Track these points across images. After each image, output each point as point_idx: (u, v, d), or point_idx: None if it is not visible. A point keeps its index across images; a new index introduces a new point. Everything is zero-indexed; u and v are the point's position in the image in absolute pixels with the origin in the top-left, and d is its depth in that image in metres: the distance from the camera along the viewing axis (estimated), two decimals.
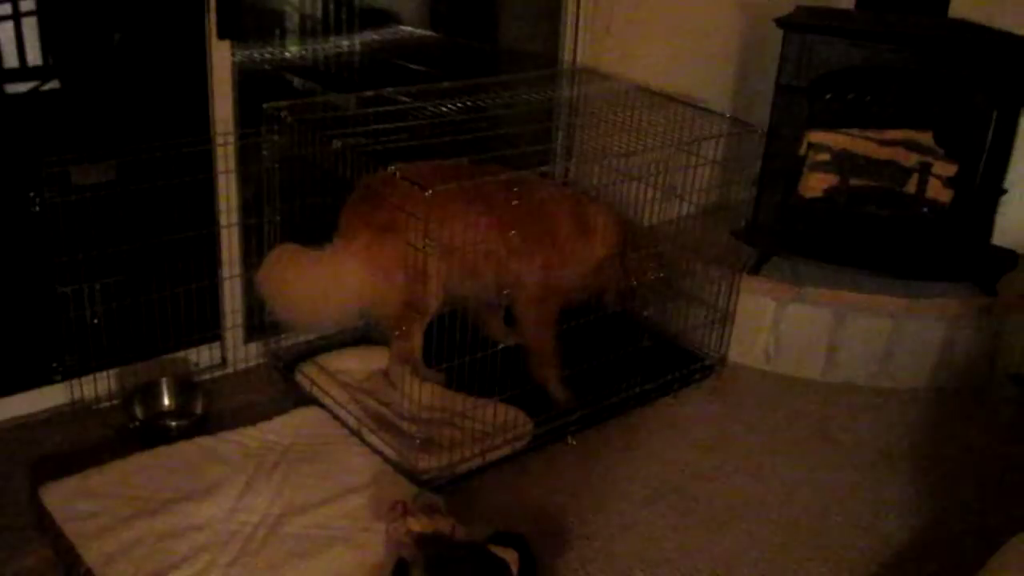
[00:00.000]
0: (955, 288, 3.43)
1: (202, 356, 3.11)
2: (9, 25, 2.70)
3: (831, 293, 3.38)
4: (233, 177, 2.97)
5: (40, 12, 2.74)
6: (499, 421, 2.82)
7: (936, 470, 2.98)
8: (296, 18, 4.04)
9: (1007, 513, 2.77)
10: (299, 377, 3.03)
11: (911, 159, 3.48)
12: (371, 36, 4.07)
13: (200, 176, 2.89)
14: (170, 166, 2.76)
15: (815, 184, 3.51)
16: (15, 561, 2.31)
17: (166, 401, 2.92)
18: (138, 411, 2.83)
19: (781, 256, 3.51)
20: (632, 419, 3.08)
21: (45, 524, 2.36)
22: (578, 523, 2.60)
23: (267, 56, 3.82)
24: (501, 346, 2.80)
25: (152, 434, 2.74)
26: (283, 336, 3.16)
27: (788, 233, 3.50)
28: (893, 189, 3.52)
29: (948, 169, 3.43)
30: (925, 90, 3.57)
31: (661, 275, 3.21)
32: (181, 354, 3.06)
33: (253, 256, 2.98)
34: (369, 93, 3.06)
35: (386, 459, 2.68)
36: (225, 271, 3.06)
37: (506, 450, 2.79)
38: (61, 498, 2.38)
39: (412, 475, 2.61)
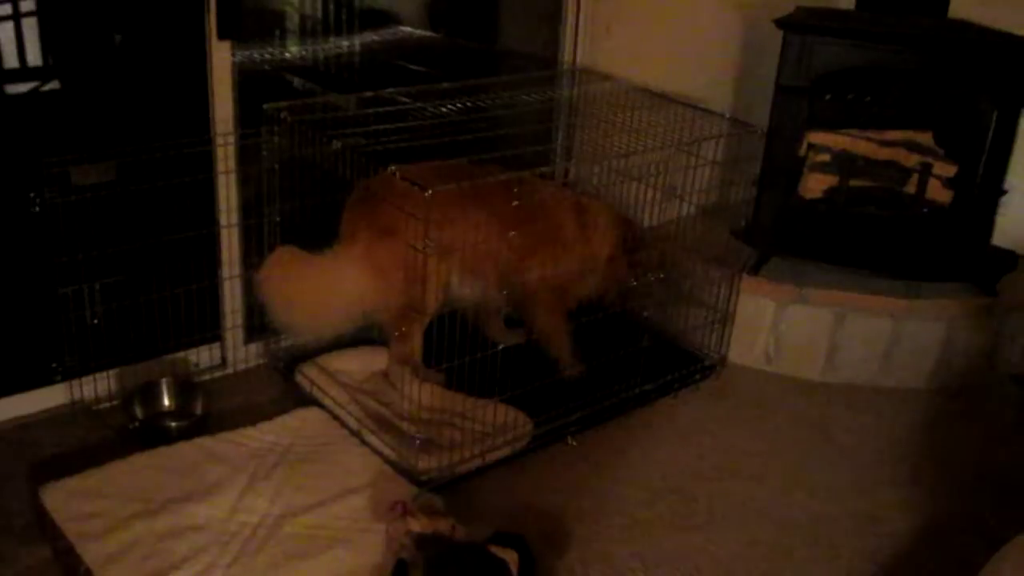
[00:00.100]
0: (955, 289, 3.44)
1: (202, 356, 3.11)
2: (9, 25, 2.70)
3: (831, 294, 3.38)
4: (233, 177, 2.97)
5: (40, 12, 2.73)
6: (499, 422, 2.82)
7: (936, 470, 2.98)
8: (296, 18, 4.04)
9: (1007, 514, 2.77)
10: (299, 378, 3.03)
11: (911, 160, 3.48)
12: (371, 37, 4.07)
13: (200, 176, 2.89)
14: (170, 166, 2.76)
15: (815, 184, 3.51)
16: (15, 562, 2.31)
17: (166, 401, 2.92)
18: (138, 411, 2.83)
19: (781, 257, 3.51)
20: (632, 420, 3.08)
21: (45, 525, 2.36)
22: (578, 524, 2.60)
23: (267, 57, 3.82)
24: (501, 347, 2.80)
25: (152, 434, 2.74)
26: (283, 337, 3.15)
27: (788, 234, 3.50)
28: (893, 190, 3.52)
29: (948, 170, 3.43)
30: (925, 91, 3.57)
31: (661, 275, 3.21)
32: (181, 354, 3.06)
33: (253, 256, 2.98)
34: (369, 94, 3.06)
35: (386, 460, 2.68)
36: (225, 272, 3.06)
37: (506, 451, 2.79)
38: (61, 498, 2.38)
39: (412, 476, 2.61)
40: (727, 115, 3.22)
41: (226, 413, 2.90)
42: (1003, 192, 3.44)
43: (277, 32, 3.94)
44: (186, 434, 2.72)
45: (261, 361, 3.21)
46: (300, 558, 2.28)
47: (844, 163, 3.49)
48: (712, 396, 3.28)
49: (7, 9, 2.69)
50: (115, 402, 2.90)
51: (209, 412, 2.88)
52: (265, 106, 2.88)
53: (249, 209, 3.03)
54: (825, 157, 3.50)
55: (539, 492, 2.72)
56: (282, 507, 2.45)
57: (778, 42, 3.32)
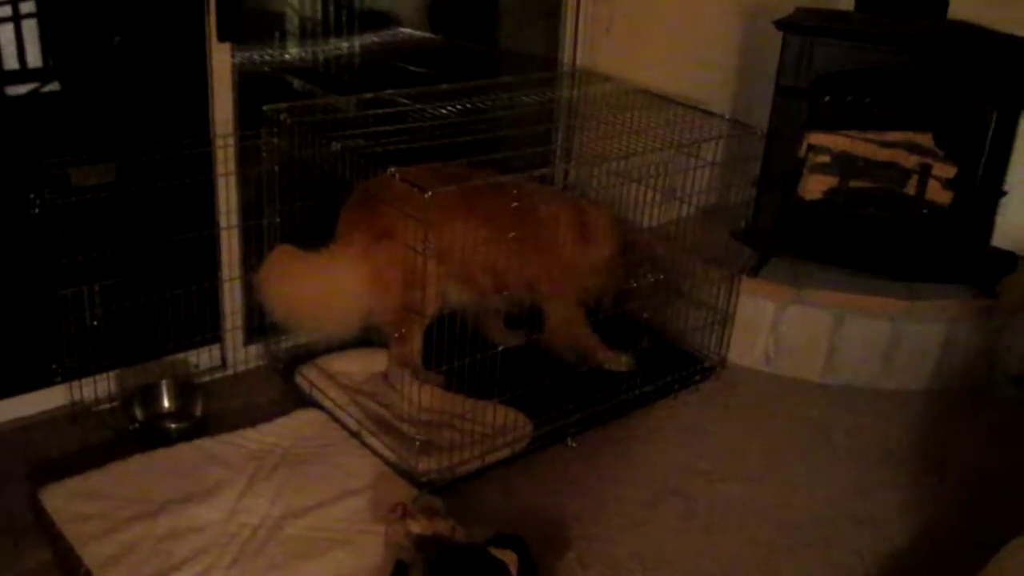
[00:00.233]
0: (955, 290, 3.43)
1: (202, 358, 3.11)
2: (9, 27, 2.70)
3: (831, 295, 3.38)
4: (233, 179, 2.97)
5: (40, 14, 2.74)
6: (499, 423, 2.82)
7: (936, 471, 2.98)
8: (296, 20, 4.04)
9: (1007, 515, 2.77)
10: (299, 379, 3.03)
11: (911, 161, 3.48)
12: (371, 38, 4.07)
13: (200, 178, 2.89)
14: (170, 168, 2.76)
15: (815, 186, 3.51)
16: (15, 563, 2.30)
17: (166, 403, 2.92)
18: (138, 413, 2.83)
19: (781, 258, 3.51)
20: (632, 421, 3.08)
21: (45, 526, 2.36)
22: (578, 525, 2.60)
23: (267, 58, 3.82)
24: (501, 348, 2.80)
25: (152, 436, 2.74)
26: (283, 338, 3.15)
27: (788, 235, 3.50)
28: (893, 191, 3.52)
29: (948, 171, 3.43)
30: (925, 92, 3.57)
31: (660, 277, 3.22)
32: (181, 356, 3.06)
33: (253, 258, 2.98)
34: (369, 95, 3.06)
35: (386, 461, 2.68)
36: (225, 273, 3.06)
37: (506, 452, 2.79)
38: (61, 500, 2.38)
39: (412, 477, 2.61)
40: (727, 116, 3.22)
41: (226, 414, 2.90)
42: (1003, 193, 3.44)
43: (277, 34, 3.94)
44: (186, 436, 2.72)
45: (261, 363, 3.21)
46: (300, 559, 2.28)
47: (844, 164, 3.49)
48: (712, 397, 3.28)
49: (7, 11, 2.69)
50: (115, 403, 2.90)
51: (209, 413, 2.88)
52: (265, 108, 2.88)
53: (249, 211, 3.04)
54: (825, 158, 3.50)
55: (539, 493, 2.72)
56: (282, 508, 2.45)
57: (778, 43, 3.32)
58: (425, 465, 2.64)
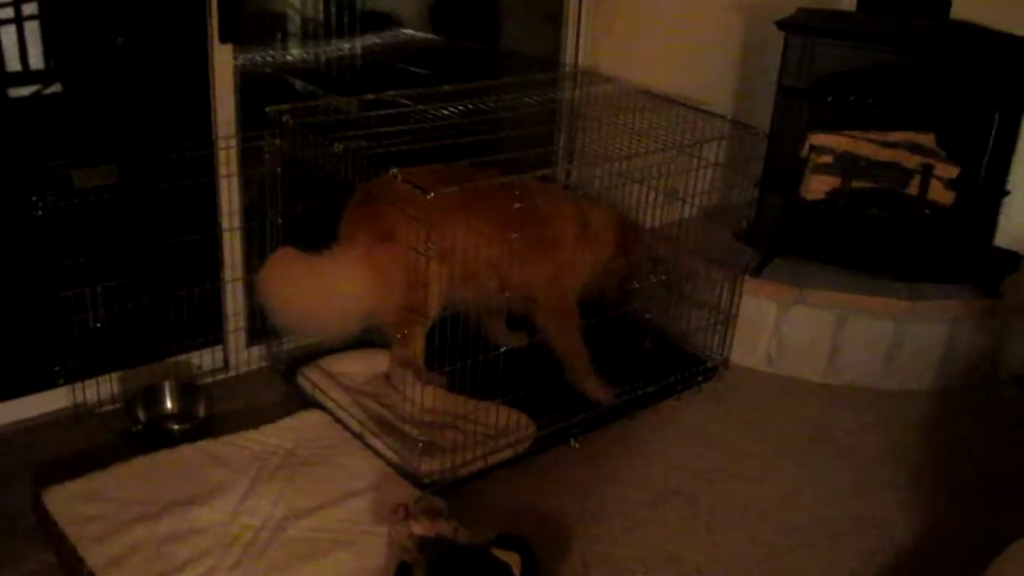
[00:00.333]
0: (957, 290, 3.43)
1: (204, 359, 3.12)
2: (12, 29, 2.70)
3: (833, 295, 3.37)
4: (235, 180, 2.97)
5: (43, 16, 2.74)
6: (501, 424, 2.82)
7: (938, 472, 2.98)
8: (298, 21, 4.04)
9: (1009, 516, 2.77)
10: (301, 380, 3.03)
11: (913, 161, 3.48)
12: (373, 39, 4.07)
13: (202, 179, 2.90)
14: (172, 169, 2.77)
15: (817, 186, 3.51)
16: (18, 565, 2.31)
17: (168, 404, 2.92)
18: (140, 414, 2.83)
19: (783, 258, 3.51)
20: (634, 421, 3.08)
21: (48, 528, 2.36)
22: (580, 526, 2.60)
23: (269, 59, 3.83)
24: (504, 349, 2.80)
25: (155, 437, 2.74)
26: (285, 340, 3.15)
27: (790, 235, 3.50)
28: (895, 191, 3.52)
29: (950, 171, 3.43)
30: (927, 92, 3.57)
31: (663, 277, 3.22)
32: (183, 357, 3.06)
33: (255, 259, 2.98)
34: (371, 96, 3.07)
35: (388, 462, 2.68)
36: (227, 274, 3.06)
37: (508, 453, 2.79)
38: (64, 502, 2.38)
39: (414, 478, 2.61)
40: (729, 117, 3.22)
41: (228, 416, 2.91)
42: (1005, 193, 3.44)
43: (279, 35, 3.95)
44: (189, 437, 2.72)
45: (263, 364, 3.21)
46: (303, 561, 2.29)
47: (846, 164, 3.49)
48: (714, 398, 3.28)
49: (10, 12, 2.69)
50: (118, 405, 2.90)
51: (211, 415, 2.89)
52: (267, 109, 2.88)
53: (251, 212, 3.04)
54: (827, 159, 3.50)
55: (541, 494, 2.72)
56: (285, 510, 2.45)
57: (779, 43, 3.32)
58: (427, 466, 2.64)
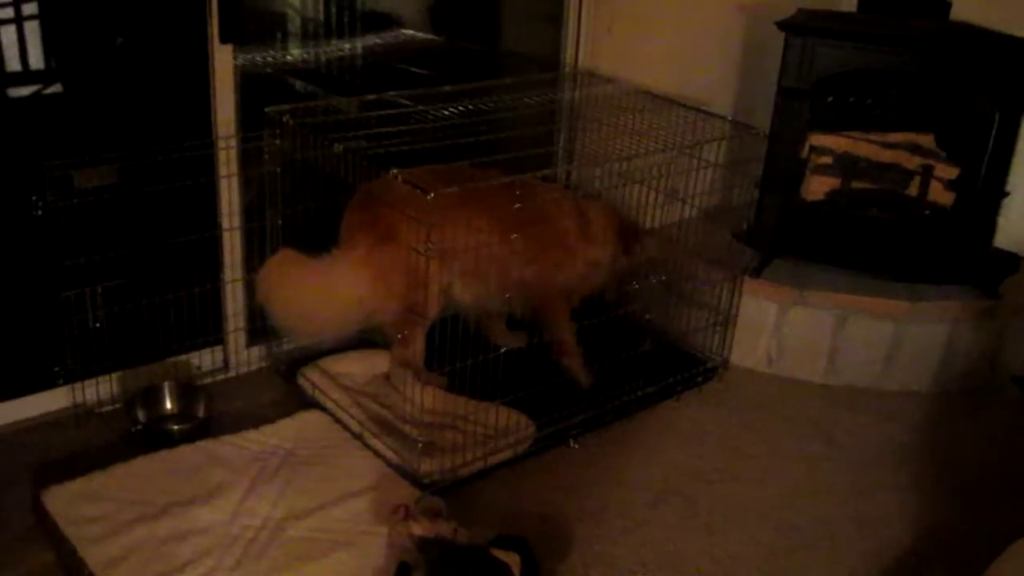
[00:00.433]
0: (957, 291, 3.43)
1: (204, 359, 3.12)
2: (12, 29, 2.70)
3: (833, 296, 3.37)
4: (235, 181, 2.97)
5: (43, 16, 2.74)
6: (501, 424, 2.82)
7: (938, 473, 2.98)
8: (298, 22, 4.04)
9: (1009, 516, 2.77)
10: (301, 380, 3.03)
11: (913, 162, 3.48)
12: (373, 40, 4.08)
13: (202, 180, 2.90)
14: (172, 170, 2.77)
15: (817, 187, 3.51)
16: (18, 565, 2.31)
17: (168, 405, 2.92)
18: (140, 415, 2.83)
19: (783, 259, 3.52)
20: (634, 422, 3.08)
21: (48, 528, 2.36)
22: (580, 526, 2.60)
23: (269, 60, 3.83)
24: (503, 350, 2.80)
25: (154, 438, 2.74)
26: (285, 340, 3.15)
27: (790, 236, 3.50)
28: (895, 192, 3.52)
29: (950, 172, 3.43)
30: (927, 93, 3.57)
31: (663, 278, 3.22)
32: (183, 358, 3.06)
33: (255, 260, 2.98)
34: (371, 97, 3.07)
35: (388, 463, 2.68)
36: (227, 275, 3.06)
37: (508, 453, 2.79)
38: (63, 502, 2.38)
39: (414, 478, 2.61)
40: (729, 117, 3.22)
41: (228, 416, 2.91)
42: (1005, 194, 3.44)
43: (279, 35, 3.95)
44: (188, 437, 2.72)
45: (263, 364, 3.21)
46: (302, 561, 2.29)
47: (846, 165, 3.49)
48: (714, 398, 3.28)
49: (9, 12, 2.69)
50: (117, 405, 2.90)
51: (211, 415, 2.89)
52: (267, 109, 2.89)
53: (251, 212, 3.04)
54: (827, 159, 3.50)
55: (541, 495, 2.72)
56: (284, 510, 2.45)
57: (780, 44, 3.32)
58: (427, 466, 2.64)
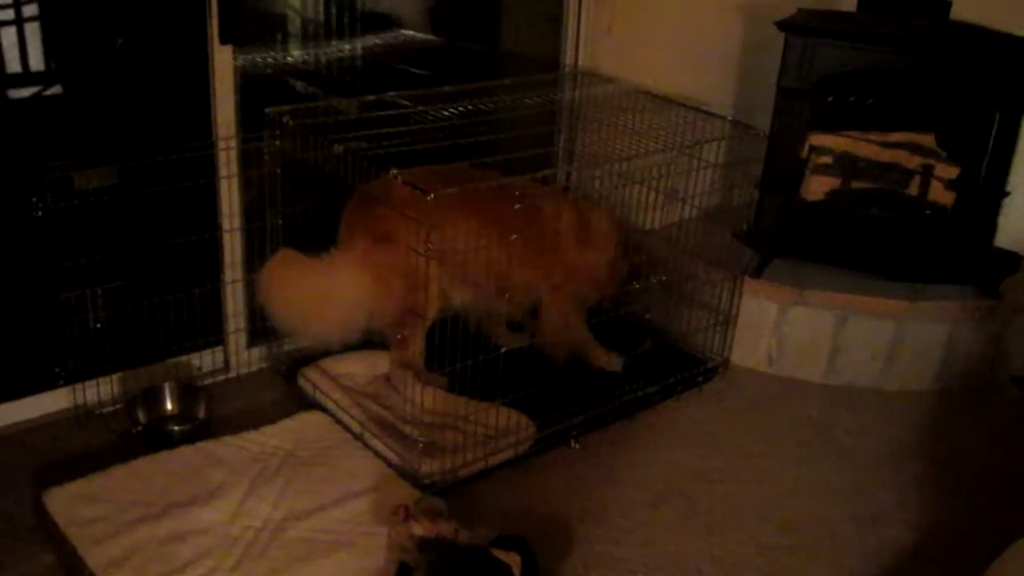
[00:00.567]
0: (957, 290, 3.43)
1: (205, 360, 3.12)
2: (12, 30, 2.70)
3: (833, 296, 3.37)
4: (235, 182, 2.97)
5: (43, 17, 2.74)
6: (502, 425, 2.82)
7: (938, 473, 2.98)
8: (298, 22, 4.05)
9: (1010, 516, 2.77)
10: (301, 381, 3.03)
11: (913, 162, 3.48)
12: (373, 40, 4.08)
13: (202, 180, 2.90)
14: (172, 170, 2.77)
15: (817, 187, 3.51)
16: (18, 566, 2.31)
17: (169, 405, 2.92)
18: (141, 415, 2.83)
19: (783, 259, 3.51)
20: (635, 422, 3.08)
21: (48, 529, 2.37)
22: (581, 526, 2.60)
23: (269, 60, 3.83)
24: (504, 350, 2.80)
25: (155, 438, 2.74)
26: (285, 341, 3.16)
27: (790, 236, 3.50)
28: (895, 192, 3.52)
29: (950, 171, 3.43)
30: (927, 92, 3.57)
31: (663, 278, 3.22)
32: (184, 358, 3.06)
33: (256, 260, 2.99)
34: (371, 97, 3.07)
35: (389, 463, 2.68)
36: (228, 275, 3.06)
37: (509, 454, 2.79)
38: (64, 503, 2.39)
39: (415, 479, 2.61)
40: (729, 117, 3.22)
41: (229, 417, 2.91)
42: (1005, 194, 3.44)
43: (279, 36, 3.95)
44: (189, 438, 2.72)
45: (264, 365, 3.21)
46: (303, 562, 2.29)
47: (846, 165, 3.49)
48: (714, 398, 3.28)
49: (10, 14, 2.69)
50: (118, 406, 2.91)
51: (212, 416, 2.89)
52: (267, 110, 2.89)
53: (251, 213, 3.04)
54: (827, 159, 3.50)
55: (542, 495, 2.72)
56: (285, 511, 2.45)
57: (780, 44, 3.32)
58: (428, 467, 2.64)
